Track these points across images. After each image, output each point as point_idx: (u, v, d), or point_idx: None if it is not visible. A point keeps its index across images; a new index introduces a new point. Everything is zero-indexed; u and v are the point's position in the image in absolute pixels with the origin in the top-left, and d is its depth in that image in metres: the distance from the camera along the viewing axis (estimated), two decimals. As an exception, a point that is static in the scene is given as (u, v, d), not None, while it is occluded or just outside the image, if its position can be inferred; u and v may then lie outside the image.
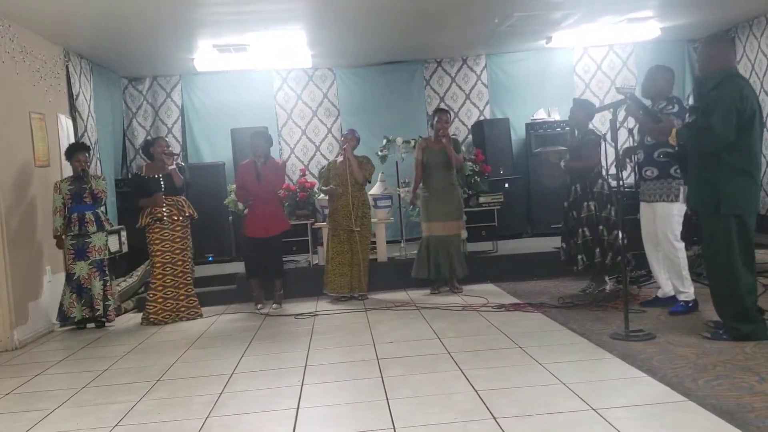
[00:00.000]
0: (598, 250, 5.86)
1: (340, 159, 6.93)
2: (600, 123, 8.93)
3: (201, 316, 6.53)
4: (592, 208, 5.89)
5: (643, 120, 4.98)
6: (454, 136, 7.33)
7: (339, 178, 6.77)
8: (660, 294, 5.49)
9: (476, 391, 3.66)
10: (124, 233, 7.82)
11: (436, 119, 6.81)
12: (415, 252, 7.34)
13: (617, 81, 9.89)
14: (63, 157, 6.62)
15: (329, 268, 6.85)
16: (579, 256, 5.92)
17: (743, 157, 4.22)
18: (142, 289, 7.47)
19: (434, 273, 6.80)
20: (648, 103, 5.33)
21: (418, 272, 6.85)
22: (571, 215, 6.02)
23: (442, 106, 9.70)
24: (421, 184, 6.91)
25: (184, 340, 5.61)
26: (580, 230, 5.91)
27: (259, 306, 6.70)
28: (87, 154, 6.50)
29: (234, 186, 7.63)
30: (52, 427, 3.67)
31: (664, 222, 5.12)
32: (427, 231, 6.80)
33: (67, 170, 6.69)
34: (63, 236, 6.28)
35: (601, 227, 5.86)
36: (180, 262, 6.47)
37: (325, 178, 6.89)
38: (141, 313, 6.59)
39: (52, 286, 6.43)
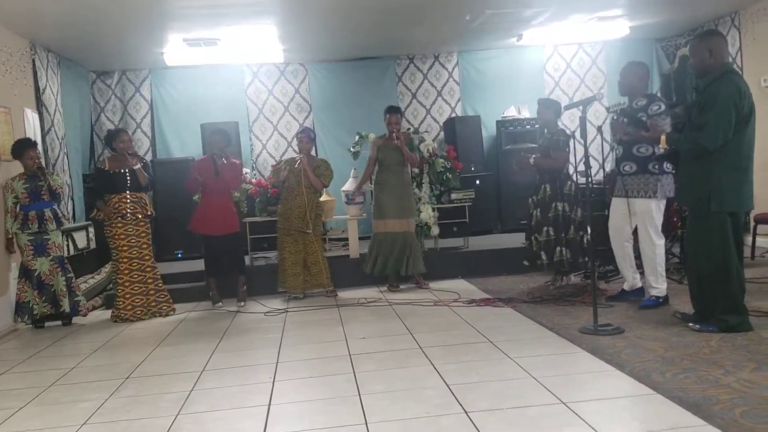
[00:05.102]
0: (559, 249, 5.95)
1: (298, 161, 6.79)
2: (570, 120, 9.03)
3: (174, 311, 6.48)
4: (560, 208, 5.96)
5: (634, 132, 4.98)
6: (408, 132, 7.35)
7: (294, 177, 6.70)
8: (626, 287, 5.56)
9: (447, 385, 3.68)
10: (91, 229, 7.72)
11: (388, 118, 6.76)
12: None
13: (586, 79, 10.02)
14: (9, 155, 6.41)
15: (283, 267, 6.79)
16: (541, 253, 6.00)
17: (736, 153, 4.21)
18: (110, 285, 7.37)
19: (379, 270, 6.77)
20: (624, 100, 5.38)
21: (367, 267, 6.86)
22: (534, 213, 6.08)
23: (414, 102, 9.76)
24: (373, 181, 6.89)
25: (153, 337, 5.55)
26: (545, 229, 5.98)
27: (219, 305, 6.65)
28: (37, 150, 6.32)
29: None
30: (18, 426, 3.59)
31: (645, 218, 5.15)
32: (381, 228, 6.74)
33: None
34: (14, 237, 6.10)
35: (572, 227, 5.95)
36: (147, 257, 6.41)
37: (279, 173, 6.80)
38: (110, 310, 6.51)
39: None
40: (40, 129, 7.24)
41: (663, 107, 5.07)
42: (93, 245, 7.77)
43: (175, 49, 8.20)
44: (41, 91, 7.33)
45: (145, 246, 6.39)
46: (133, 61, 8.96)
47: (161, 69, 9.28)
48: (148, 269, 6.41)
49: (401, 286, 6.90)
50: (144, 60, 8.85)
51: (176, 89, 9.50)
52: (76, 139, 8.40)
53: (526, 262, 6.32)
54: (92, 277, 7.34)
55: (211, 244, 6.56)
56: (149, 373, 4.44)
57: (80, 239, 7.44)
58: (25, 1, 5.91)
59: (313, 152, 7.25)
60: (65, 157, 7.85)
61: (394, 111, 6.91)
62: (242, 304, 6.67)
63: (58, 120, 7.76)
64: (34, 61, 7.23)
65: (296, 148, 9.56)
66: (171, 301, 6.54)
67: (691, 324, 4.48)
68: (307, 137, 6.84)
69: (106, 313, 6.59)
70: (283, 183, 6.78)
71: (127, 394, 4.02)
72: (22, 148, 6.16)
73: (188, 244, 8.47)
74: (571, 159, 6.13)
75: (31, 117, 7.03)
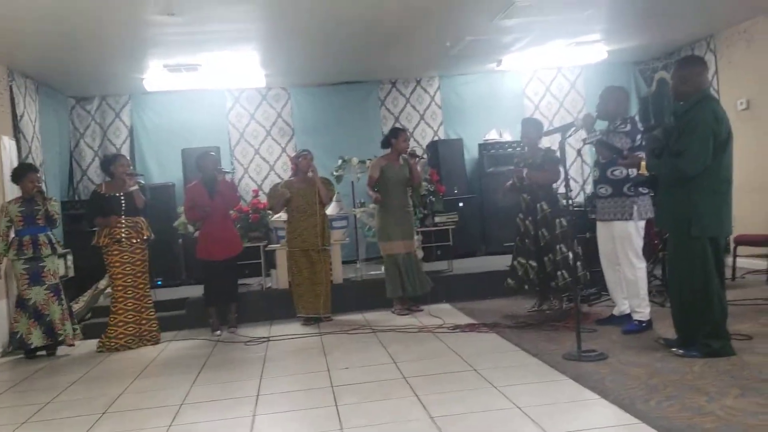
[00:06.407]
0: (578, 263, 5.83)
1: (293, 178, 6.81)
2: (550, 144, 9.05)
3: (159, 341, 6.39)
4: (564, 224, 5.91)
5: (613, 157, 5.02)
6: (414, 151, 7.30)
7: (303, 198, 6.66)
8: (616, 312, 5.54)
9: (431, 417, 3.62)
10: (70, 257, 7.59)
11: (401, 137, 6.76)
12: (375, 272, 7.32)
13: (566, 103, 10.11)
14: (8, 179, 6.38)
15: (303, 290, 6.67)
16: (559, 272, 5.86)
17: (715, 178, 4.24)
18: (89, 314, 7.26)
19: (411, 290, 6.74)
20: (600, 130, 5.40)
21: (394, 292, 6.75)
22: (540, 234, 5.97)
23: (397, 125, 9.74)
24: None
25: (132, 368, 5.45)
26: (558, 246, 5.88)
27: (217, 333, 6.54)
28: (38, 175, 6.30)
29: (182, 208, 7.50)
30: (-10, 467, 3.50)
31: (623, 241, 5.16)
32: (392, 250, 6.71)
33: (12, 192, 6.47)
34: (4, 260, 6.04)
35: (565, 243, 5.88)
36: (142, 285, 6.32)
37: (280, 197, 6.68)
38: (88, 341, 6.40)
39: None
40: (18, 156, 7.15)
41: (629, 128, 5.12)
42: (71, 273, 7.64)
43: (156, 75, 8.16)
44: (19, 117, 7.25)
45: (140, 273, 6.31)
46: (112, 87, 8.92)
47: (141, 94, 9.24)
48: (142, 298, 6.32)
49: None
50: (124, 85, 8.81)
51: (157, 114, 9.46)
52: (55, 165, 8.31)
53: (526, 287, 6.12)
54: (71, 306, 7.19)
55: (213, 269, 6.46)
56: (127, 408, 4.35)
57: (59, 267, 7.30)
58: (2, 27, 5.86)
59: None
60: (44, 184, 7.75)
61: (403, 129, 7.02)
62: (233, 330, 6.58)
63: (36, 147, 7.67)
64: (11, 87, 7.16)
65: (279, 173, 9.66)
66: (159, 330, 6.45)
67: (674, 349, 4.47)
68: (310, 155, 6.82)
69: (86, 343, 6.45)
70: (284, 205, 6.68)
71: (103, 430, 3.92)
72: (24, 170, 6.19)
73: (168, 272, 8.38)
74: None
75: (8, 144, 6.95)
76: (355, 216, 8.01)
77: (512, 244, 6.36)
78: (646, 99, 9.85)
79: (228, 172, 6.96)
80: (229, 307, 6.69)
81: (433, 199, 8.06)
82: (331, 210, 7.54)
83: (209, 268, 6.49)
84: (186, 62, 7.67)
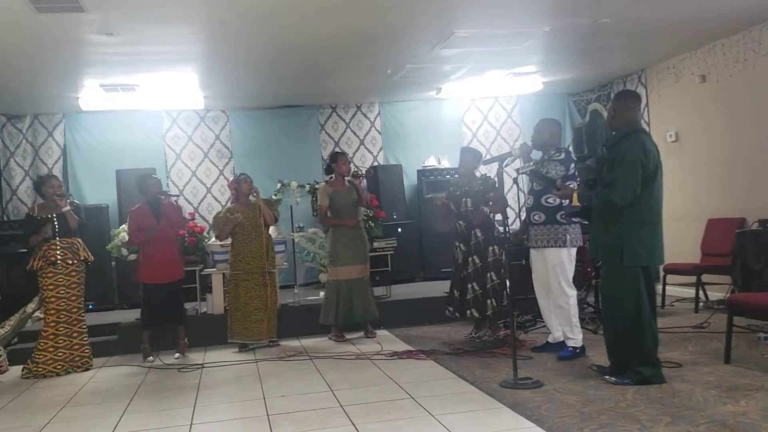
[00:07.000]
0: (505, 293, 5.91)
1: (235, 204, 6.74)
2: (487, 171, 9.23)
3: (91, 367, 6.17)
4: (497, 252, 6.00)
5: (546, 186, 5.16)
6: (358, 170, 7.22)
7: (248, 220, 6.55)
8: (551, 339, 5.63)
9: (369, 447, 3.60)
10: (-6, 281, 7.31)
11: (340, 162, 6.74)
12: (313, 298, 7.24)
13: (502, 131, 10.33)
14: None
15: (240, 315, 6.53)
16: (488, 300, 5.94)
17: (645, 209, 4.38)
18: (16, 339, 6.95)
19: (344, 318, 6.66)
20: (539, 154, 5.54)
21: (325, 319, 6.70)
22: (471, 260, 6.05)
23: (337, 150, 9.76)
24: (328, 229, 6.81)
25: (61, 396, 5.23)
26: (489, 274, 5.97)
27: (150, 359, 6.35)
28: None
29: (118, 230, 7.33)
30: None
31: (555, 269, 5.28)
32: (337, 275, 6.65)
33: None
34: None
35: (503, 271, 5.96)
36: (75, 309, 6.11)
37: (229, 223, 6.55)
38: (13, 367, 6.13)
39: None
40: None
41: (563, 156, 5.27)
42: (-4, 297, 7.35)
43: (92, 94, 7.98)
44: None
45: (74, 297, 6.10)
46: (46, 105, 8.68)
47: (76, 113, 9.01)
48: (75, 322, 6.11)
49: (346, 336, 6.77)
50: (58, 104, 8.58)
51: (91, 134, 9.24)
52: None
53: (457, 314, 6.18)
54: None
55: (154, 293, 6.30)
56: (53, 440, 4.18)
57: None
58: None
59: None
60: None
61: (343, 153, 6.96)
62: (178, 356, 6.41)
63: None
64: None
65: (217, 195, 9.54)
66: (91, 356, 6.23)
67: (607, 376, 4.57)
68: (250, 179, 6.73)
69: (11, 370, 6.17)
70: (230, 232, 6.55)
71: (27, 465, 3.75)
72: None
73: (100, 295, 8.12)
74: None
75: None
76: (293, 240, 7.96)
77: (449, 270, 6.44)
78: (579, 129, 10.19)
79: (173, 196, 6.84)
80: (177, 331, 6.53)
81: (373, 224, 8.09)
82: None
83: (151, 291, 6.35)
84: (123, 82, 7.53)
